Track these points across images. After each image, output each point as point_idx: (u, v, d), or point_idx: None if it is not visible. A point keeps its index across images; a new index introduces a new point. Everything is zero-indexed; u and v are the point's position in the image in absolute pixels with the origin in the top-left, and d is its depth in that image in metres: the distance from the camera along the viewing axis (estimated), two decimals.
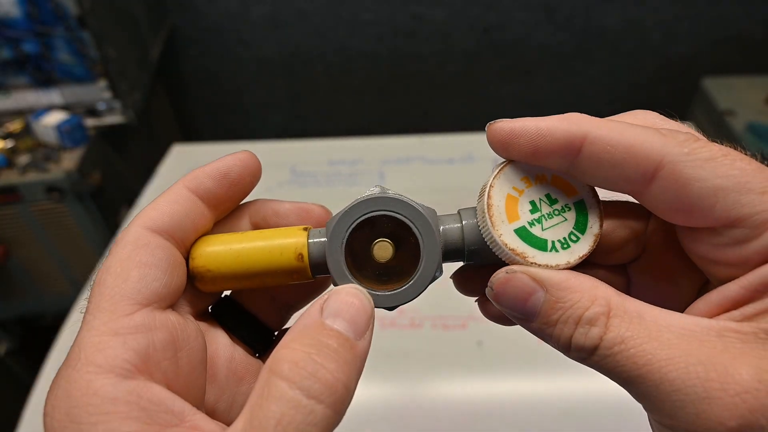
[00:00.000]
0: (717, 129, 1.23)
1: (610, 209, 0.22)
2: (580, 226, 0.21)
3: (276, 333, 0.25)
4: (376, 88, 1.62)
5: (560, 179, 0.21)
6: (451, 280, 0.24)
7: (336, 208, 0.23)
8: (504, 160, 0.21)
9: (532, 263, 0.20)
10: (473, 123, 1.68)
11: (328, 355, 0.17)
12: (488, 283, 0.19)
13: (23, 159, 1.06)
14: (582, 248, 0.20)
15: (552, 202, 0.21)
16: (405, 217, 0.21)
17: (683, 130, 0.19)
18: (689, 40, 1.49)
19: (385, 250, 0.21)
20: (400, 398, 0.57)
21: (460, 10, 1.46)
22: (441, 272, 0.21)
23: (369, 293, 0.19)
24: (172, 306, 0.20)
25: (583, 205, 0.21)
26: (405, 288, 0.20)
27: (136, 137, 1.31)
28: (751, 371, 0.15)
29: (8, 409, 0.72)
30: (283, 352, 0.17)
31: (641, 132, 0.18)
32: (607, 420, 0.54)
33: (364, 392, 0.58)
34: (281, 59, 1.57)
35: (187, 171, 0.23)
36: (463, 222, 0.21)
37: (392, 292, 0.20)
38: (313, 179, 0.88)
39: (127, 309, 0.18)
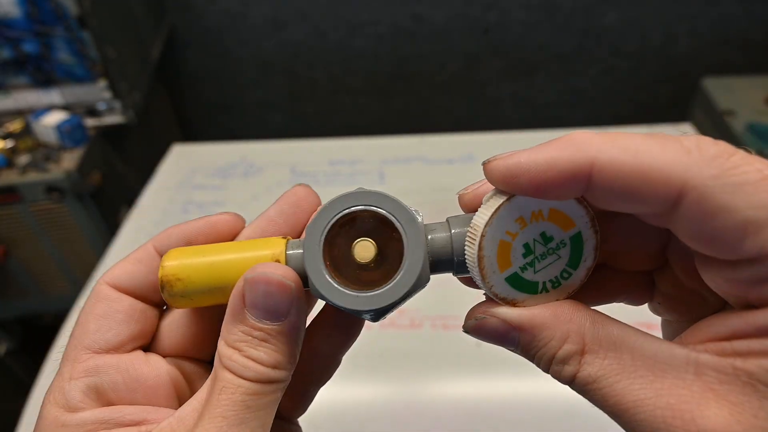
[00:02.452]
0: (717, 129, 1.23)
1: (623, 222, 0.20)
2: (574, 262, 0.20)
3: None
4: (376, 88, 1.62)
5: (558, 212, 0.19)
6: (456, 278, 0.23)
7: None
8: (497, 193, 0.19)
9: (525, 306, 0.19)
10: (473, 123, 1.69)
11: (257, 344, 0.19)
12: (464, 323, 0.20)
13: (23, 159, 1.06)
14: (573, 283, 0.20)
15: (547, 240, 0.19)
16: (387, 211, 0.19)
17: (712, 143, 0.16)
18: (689, 40, 1.49)
19: (366, 249, 0.19)
20: (400, 398, 0.57)
21: (460, 10, 1.46)
22: (428, 277, 0.20)
23: (350, 294, 0.19)
24: (138, 348, 0.22)
25: (579, 238, 0.19)
26: (386, 288, 0.19)
27: (136, 137, 1.31)
28: (720, 420, 0.15)
29: (8, 409, 0.72)
30: (220, 346, 0.19)
31: (660, 150, 0.16)
32: (607, 420, 0.54)
33: (364, 392, 0.58)
34: (281, 59, 1.57)
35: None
36: (452, 231, 0.20)
37: (374, 293, 0.19)
38: (313, 179, 0.88)
39: (84, 357, 0.20)
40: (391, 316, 0.23)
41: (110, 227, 1.13)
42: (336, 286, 0.19)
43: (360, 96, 1.64)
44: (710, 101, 1.26)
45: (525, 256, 0.19)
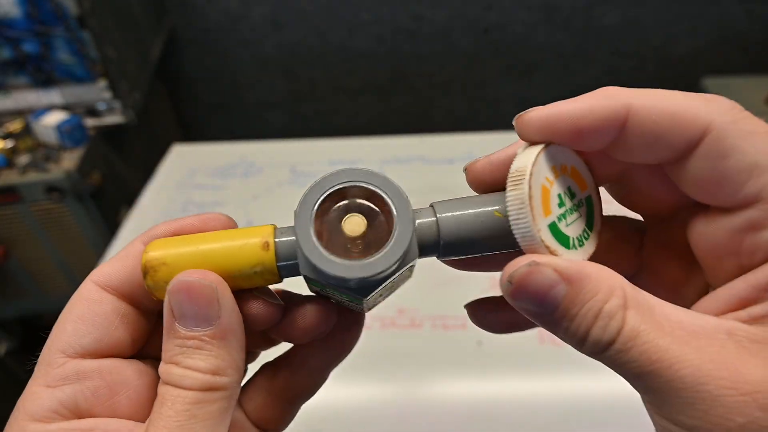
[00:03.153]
0: None
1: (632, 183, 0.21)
2: (590, 224, 0.20)
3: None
4: (376, 88, 1.62)
5: (576, 172, 0.20)
6: (454, 280, 0.23)
7: None
8: (529, 146, 0.19)
9: None
10: (473, 123, 1.69)
11: (192, 353, 0.18)
12: (504, 278, 0.18)
13: (23, 159, 1.06)
14: (590, 247, 0.20)
15: (572, 196, 0.20)
16: (376, 186, 0.19)
17: (726, 98, 0.18)
18: (689, 40, 1.49)
19: (357, 224, 0.19)
20: (399, 398, 0.57)
21: (460, 10, 1.46)
22: (416, 253, 0.20)
23: (342, 263, 0.18)
24: (126, 354, 0.21)
25: (591, 201, 0.20)
26: (379, 256, 0.19)
27: (136, 137, 1.31)
28: (761, 371, 0.15)
29: (8, 409, 0.72)
30: (159, 367, 0.19)
31: (686, 98, 0.18)
32: (607, 420, 0.54)
33: (364, 392, 0.58)
34: (281, 59, 1.57)
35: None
36: (438, 215, 0.20)
37: (365, 261, 0.18)
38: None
39: (59, 361, 0.19)
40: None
41: (110, 227, 1.13)
42: (327, 255, 0.18)
43: (360, 96, 1.64)
44: None
45: (559, 206, 0.19)
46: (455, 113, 1.69)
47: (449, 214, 0.20)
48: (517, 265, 0.17)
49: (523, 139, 0.20)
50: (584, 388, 0.56)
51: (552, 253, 0.18)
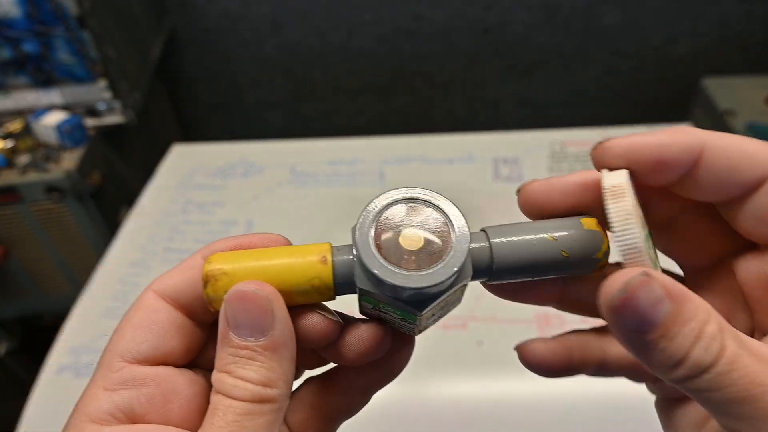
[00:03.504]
0: (717, 129, 1.23)
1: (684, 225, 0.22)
2: (655, 247, 0.21)
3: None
4: (376, 88, 1.62)
5: (640, 205, 0.21)
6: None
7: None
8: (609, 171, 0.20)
9: None
10: (473, 123, 1.69)
11: (244, 363, 0.19)
12: (615, 286, 0.17)
13: (23, 159, 1.06)
14: (658, 266, 0.20)
15: (645, 224, 0.20)
16: (436, 202, 0.20)
17: None
18: (689, 40, 1.49)
19: (414, 238, 0.20)
20: (400, 398, 0.57)
21: (460, 10, 1.46)
22: (470, 271, 0.20)
23: (402, 273, 0.19)
24: (181, 363, 0.21)
25: (652, 236, 0.21)
26: (438, 268, 0.19)
27: (136, 137, 1.31)
28: None
29: (8, 409, 0.72)
30: (212, 375, 0.19)
31: (755, 141, 0.19)
32: (607, 420, 0.54)
33: None
34: (281, 59, 1.57)
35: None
36: (491, 240, 0.21)
37: (424, 272, 0.19)
38: (313, 179, 0.88)
39: (117, 366, 0.20)
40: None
41: (110, 227, 1.13)
42: (387, 264, 0.19)
43: (360, 96, 1.64)
44: (710, 101, 1.26)
45: (643, 226, 0.19)
46: (455, 113, 1.69)
47: (503, 239, 0.21)
48: (630, 274, 0.16)
49: (599, 166, 0.21)
50: (584, 388, 0.56)
51: (654, 264, 0.19)
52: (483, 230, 0.21)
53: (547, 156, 0.89)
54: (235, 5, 1.47)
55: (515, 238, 0.20)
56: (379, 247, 0.20)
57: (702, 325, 0.16)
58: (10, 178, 1.03)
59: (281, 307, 0.19)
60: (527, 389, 0.57)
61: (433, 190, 0.21)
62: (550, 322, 0.62)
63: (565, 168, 0.86)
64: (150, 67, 1.34)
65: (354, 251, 0.20)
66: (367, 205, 0.20)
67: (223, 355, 0.19)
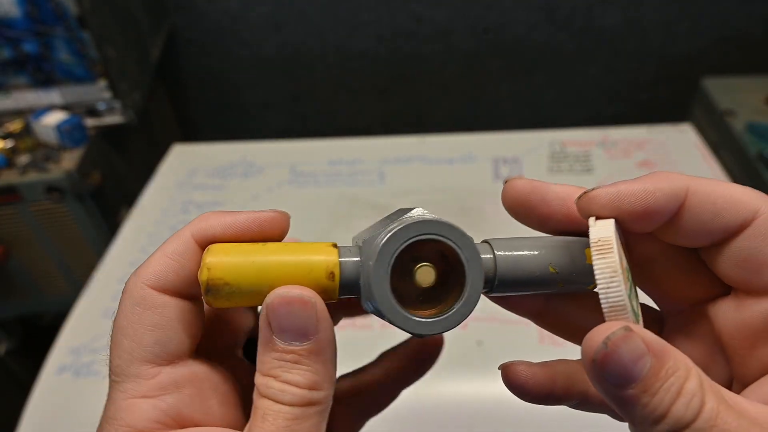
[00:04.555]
0: (717, 129, 1.23)
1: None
2: (637, 296, 0.21)
3: None
4: (376, 88, 1.62)
5: (623, 250, 0.21)
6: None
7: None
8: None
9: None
10: (473, 123, 1.69)
11: (291, 368, 0.18)
12: (596, 341, 0.17)
13: (23, 159, 1.06)
14: (640, 319, 0.20)
15: (629, 273, 0.20)
16: (455, 243, 0.20)
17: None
18: (689, 40, 1.49)
19: (428, 275, 0.20)
20: (399, 398, 0.57)
21: (460, 10, 1.46)
22: (478, 301, 0.21)
23: (413, 319, 0.19)
24: (194, 349, 0.21)
25: (633, 282, 0.21)
26: (449, 315, 0.20)
27: (136, 137, 1.31)
28: None
29: (8, 409, 0.72)
30: (256, 378, 0.19)
31: (738, 186, 0.19)
32: (607, 420, 0.54)
33: None
34: (281, 59, 1.57)
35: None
36: (496, 253, 0.21)
37: (435, 319, 0.20)
38: (313, 179, 0.88)
39: (151, 372, 0.19)
40: None
41: (110, 227, 1.13)
42: (401, 311, 0.19)
43: (360, 96, 1.64)
44: (710, 101, 1.26)
45: (628, 278, 0.19)
46: (455, 113, 1.68)
47: (507, 262, 0.21)
48: (611, 328, 0.17)
49: (583, 214, 0.20)
50: None
51: (634, 320, 0.19)
52: (487, 242, 0.21)
53: (547, 156, 0.89)
54: (235, 5, 1.47)
55: (519, 260, 0.21)
56: (391, 285, 0.19)
57: (682, 381, 0.17)
58: (10, 178, 1.03)
59: (323, 309, 0.19)
60: None
61: (452, 223, 0.20)
62: None
63: (564, 168, 0.86)
64: (150, 67, 1.34)
65: (362, 280, 0.20)
66: (385, 244, 0.19)
67: (267, 359, 0.19)
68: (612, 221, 0.19)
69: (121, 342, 0.19)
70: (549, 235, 0.22)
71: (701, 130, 1.01)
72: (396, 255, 0.19)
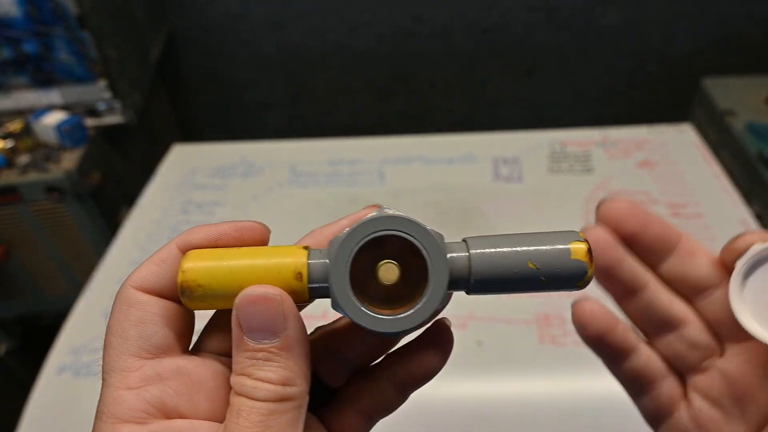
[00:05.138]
0: (717, 129, 1.23)
1: None
2: None
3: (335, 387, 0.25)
4: (376, 87, 1.62)
5: None
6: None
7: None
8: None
9: None
10: (473, 123, 1.69)
11: (262, 365, 0.19)
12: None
13: (23, 159, 1.06)
14: None
15: None
16: (414, 238, 0.20)
17: None
18: (689, 40, 1.49)
19: (391, 272, 0.20)
20: None
21: (460, 10, 1.46)
22: (447, 301, 0.20)
23: (374, 316, 0.19)
24: (186, 348, 0.22)
25: None
26: (411, 312, 0.19)
27: (136, 137, 1.31)
28: None
29: (8, 409, 0.72)
30: (231, 379, 0.19)
31: None
32: (607, 420, 0.54)
33: None
34: (281, 59, 1.57)
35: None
36: (470, 251, 0.20)
37: (397, 317, 0.19)
38: (313, 179, 0.88)
39: (136, 365, 0.20)
40: None
41: (110, 227, 1.13)
42: (361, 308, 0.19)
43: (360, 96, 1.64)
44: (710, 101, 1.26)
45: None
46: (455, 113, 1.68)
47: (483, 260, 0.20)
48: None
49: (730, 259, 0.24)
50: (584, 388, 0.56)
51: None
52: (464, 240, 0.21)
53: (547, 156, 0.89)
54: (235, 5, 1.47)
55: (495, 259, 0.20)
56: (354, 282, 0.20)
57: None
58: (10, 178, 1.03)
59: (291, 306, 0.19)
60: (527, 389, 0.57)
61: (413, 218, 0.20)
62: (550, 322, 0.62)
63: (564, 168, 0.86)
64: (150, 67, 1.34)
65: (328, 282, 0.20)
66: (344, 240, 0.20)
67: (239, 359, 0.19)
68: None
69: (110, 341, 0.20)
70: (533, 232, 0.21)
71: (701, 130, 1.01)
72: (356, 251, 0.19)
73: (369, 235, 0.20)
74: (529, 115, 1.67)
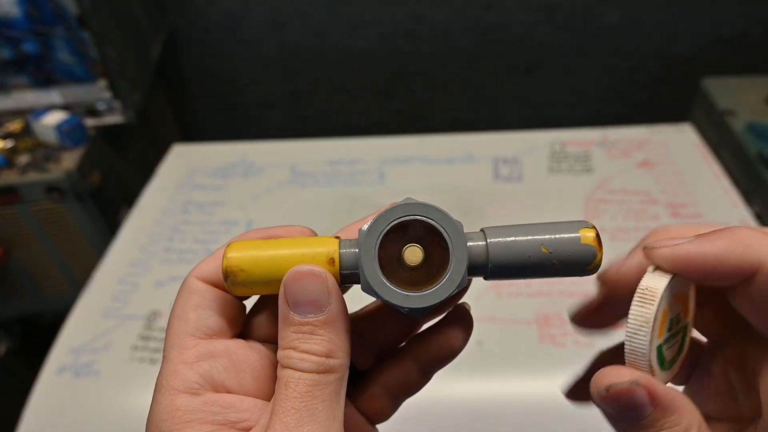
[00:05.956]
0: (717, 129, 1.23)
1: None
2: (681, 348, 0.22)
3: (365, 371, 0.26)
4: (376, 87, 1.62)
5: (686, 300, 0.21)
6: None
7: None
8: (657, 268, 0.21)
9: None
10: (473, 123, 1.69)
11: (308, 339, 0.20)
12: (601, 385, 0.19)
13: (23, 159, 1.06)
14: (675, 369, 0.21)
15: (678, 321, 0.21)
16: (434, 220, 0.22)
17: None
18: (689, 40, 1.49)
19: (415, 254, 0.21)
20: None
21: (460, 10, 1.46)
22: (466, 282, 0.22)
23: (401, 293, 0.21)
24: (236, 335, 0.24)
25: (688, 328, 0.22)
26: (435, 289, 0.21)
27: (136, 137, 1.31)
28: None
29: (8, 409, 0.72)
30: (278, 353, 0.21)
31: None
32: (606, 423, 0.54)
33: None
34: (281, 59, 1.57)
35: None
36: (488, 240, 0.22)
37: (422, 293, 0.21)
38: (313, 179, 0.88)
39: (191, 343, 0.22)
40: None
41: (110, 227, 1.13)
42: (389, 285, 0.21)
43: (360, 96, 1.64)
44: (710, 101, 1.26)
45: (668, 330, 0.21)
46: (455, 113, 1.69)
47: (500, 246, 0.22)
48: (620, 378, 0.19)
49: (650, 262, 0.21)
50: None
51: (651, 372, 0.20)
52: (482, 230, 0.22)
53: (547, 156, 0.89)
54: (235, 5, 1.47)
55: (511, 245, 0.22)
56: (382, 263, 0.21)
57: None
58: (10, 178, 1.03)
59: (334, 284, 0.21)
60: (527, 389, 0.57)
61: (435, 205, 0.22)
62: (550, 322, 0.62)
63: (564, 168, 0.86)
64: (150, 67, 1.34)
65: (359, 263, 0.21)
66: (372, 225, 0.22)
67: (286, 334, 0.21)
68: (666, 278, 0.20)
69: (171, 324, 0.23)
70: (545, 222, 0.22)
71: (701, 130, 1.01)
72: (383, 235, 0.21)
73: (394, 220, 0.22)
74: (529, 115, 1.67)
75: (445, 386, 0.58)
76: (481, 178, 0.86)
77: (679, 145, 0.89)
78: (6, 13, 1.02)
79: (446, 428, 0.55)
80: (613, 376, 0.19)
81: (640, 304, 0.20)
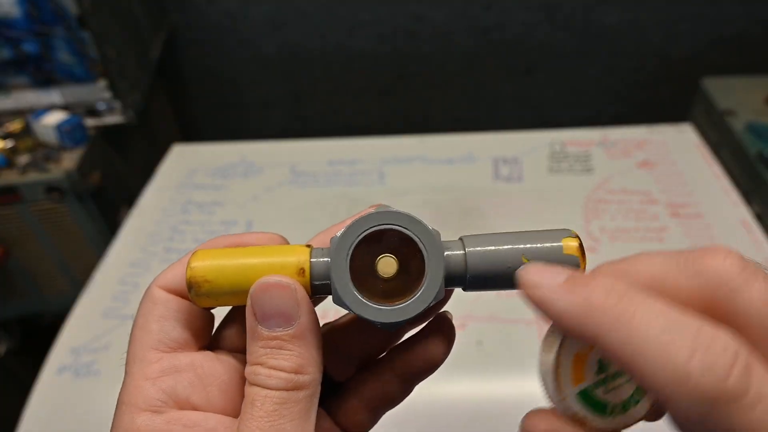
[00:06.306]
0: (717, 129, 1.23)
1: None
2: (642, 389, 0.20)
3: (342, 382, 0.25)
4: (376, 88, 1.62)
5: None
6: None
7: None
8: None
9: (590, 428, 0.19)
10: (473, 123, 1.69)
11: (276, 354, 0.19)
12: (521, 425, 0.19)
13: (23, 159, 1.06)
14: (640, 411, 0.20)
15: (596, 365, 0.20)
16: (408, 230, 0.20)
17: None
18: (689, 40, 1.49)
19: (389, 265, 0.20)
20: None
21: (460, 10, 1.46)
22: (443, 294, 0.21)
23: (373, 307, 0.20)
24: (203, 347, 0.23)
25: None
26: (409, 303, 0.20)
27: (136, 137, 1.31)
28: None
29: (8, 409, 0.72)
30: (245, 369, 0.20)
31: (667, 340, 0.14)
32: None
33: None
34: (281, 59, 1.57)
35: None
36: (467, 249, 0.21)
37: (395, 307, 0.20)
38: (313, 179, 0.88)
39: (154, 357, 0.21)
40: None
41: (110, 227, 1.13)
42: (361, 298, 0.20)
43: (360, 96, 1.64)
44: (710, 101, 1.26)
45: (598, 373, 0.19)
46: (455, 113, 1.69)
47: (479, 256, 0.20)
48: (537, 428, 0.18)
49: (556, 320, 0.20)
50: None
51: (580, 420, 0.18)
52: (461, 239, 0.21)
53: (547, 156, 0.89)
54: (235, 5, 1.47)
55: (490, 254, 0.20)
56: (354, 275, 0.20)
57: None
58: (10, 178, 1.03)
59: (304, 295, 0.20)
60: (527, 389, 0.57)
61: (410, 214, 0.21)
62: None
63: (564, 168, 0.86)
64: (150, 67, 1.34)
65: (330, 275, 0.20)
66: (343, 235, 0.20)
67: (254, 349, 0.20)
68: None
69: (134, 334, 0.22)
70: (528, 230, 0.21)
71: (701, 130, 1.01)
72: (355, 245, 0.20)
73: (367, 229, 0.20)
74: (529, 115, 1.67)
75: (445, 386, 0.58)
76: (481, 178, 0.86)
77: (679, 145, 0.89)
78: (6, 13, 1.02)
79: (446, 428, 0.55)
80: (529, 424, 0.18)
81: (543, 352, 0.19)
